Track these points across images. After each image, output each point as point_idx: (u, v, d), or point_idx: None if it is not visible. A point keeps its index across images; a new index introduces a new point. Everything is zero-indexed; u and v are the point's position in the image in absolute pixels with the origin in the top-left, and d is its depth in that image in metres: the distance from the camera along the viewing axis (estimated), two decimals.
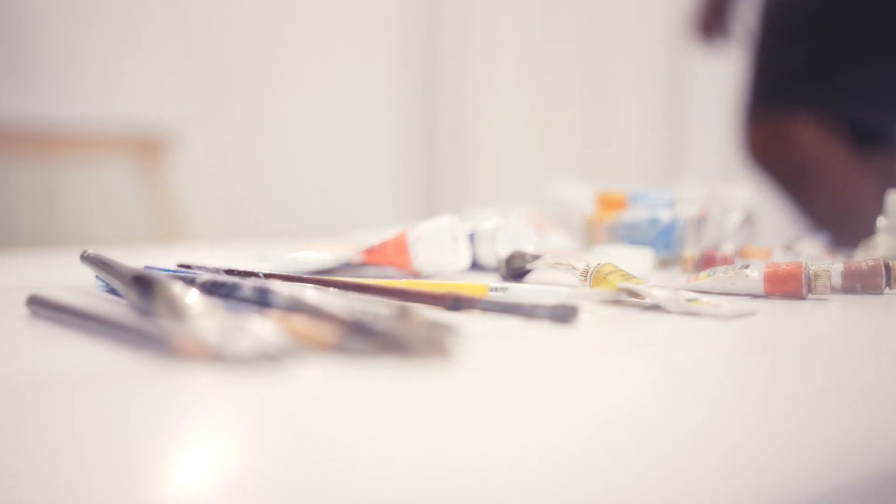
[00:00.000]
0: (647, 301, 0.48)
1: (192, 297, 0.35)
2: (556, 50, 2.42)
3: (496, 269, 0.63)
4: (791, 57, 1.28)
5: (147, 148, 1.71)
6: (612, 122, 2.52)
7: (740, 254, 0.65)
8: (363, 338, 0.33)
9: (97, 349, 0.35)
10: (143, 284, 0.39)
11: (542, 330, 0.41)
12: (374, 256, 0.61)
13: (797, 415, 0.28)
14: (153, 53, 1.68)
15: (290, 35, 2.15)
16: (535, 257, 0.58)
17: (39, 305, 0.41)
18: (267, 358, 0.31)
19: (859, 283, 0.53)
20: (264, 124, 2.14)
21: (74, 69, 1.59)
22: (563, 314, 0.42)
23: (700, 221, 0.75)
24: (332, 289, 0.46)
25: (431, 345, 0.32)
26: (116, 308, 0.44)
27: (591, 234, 0.75)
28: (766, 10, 1.32)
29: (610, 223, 0.73)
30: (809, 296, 0.52)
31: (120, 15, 1.64)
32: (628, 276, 0.50)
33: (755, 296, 0.52)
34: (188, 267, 0.53)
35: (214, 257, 0.68)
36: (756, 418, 0.27)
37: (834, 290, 0.54)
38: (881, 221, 0.62)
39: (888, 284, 0.53)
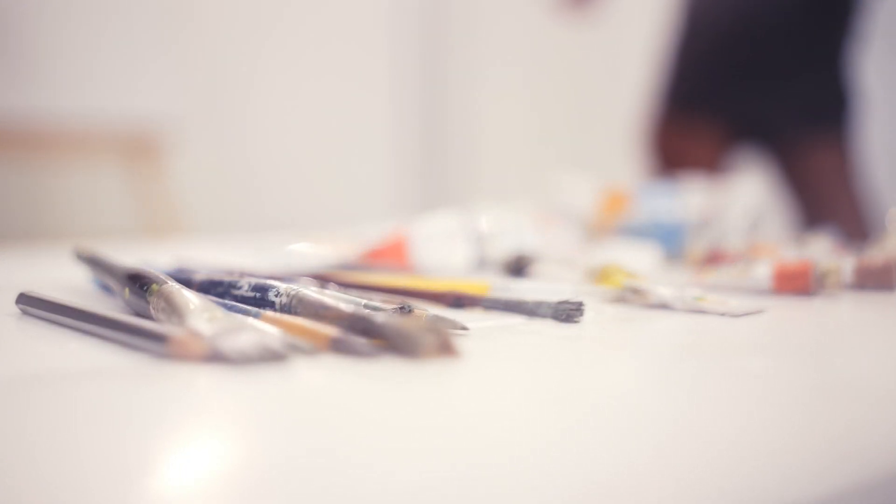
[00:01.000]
0: (653, 299, 0.47)
1: (188, 296, 0.35)
2: (556, 42, 2.41)
3: (499, 267, 0.62)
4: (711, 64, 1.35)
5: (142, 144, 1.70)
6: (614, 114, 2.51)
7: (748, 250, 0.64)
8: (365, 335, 0.33)
9: (90, 348, 0.34)
10: (139, 282, 0.38)
11: (546, 328, 0.40)
12: (375, 254, 0.60)
13: (804, 414, 0.27)
14: (149, 50, 1.68)
15: (286, 29, 2.14)
16: (539, 254, 0.57)
17: (30, 304, 0.40)
18: (265, 356, 0.30)
19: (871, 281, 0.52)
20: (261, 120, 2.13)
21: (68, 65, 1.59)
22: (567, 312, 0.41)
23: (706, 217, 0.74)
24: (332, 287, 0.45)
25: (435, 343, 0.32)
26: (110, 306, 0.43)
27: (596, 231, 0.74)
28: (689, 18, 1.37)
29: (615, 219, 0.72)
30: (819, 293, 0.51)
31: (115, 12, 1.64)
32: (633, 274, 0.49)
33: (763, 293, 0.52)
34: (186, 266, 0.52)
35: (211, 254, 0.67)
36: (762, 417, 0.27)
37: (844, 287, 0.53)
38: (892, 216, 0.61)
39: None
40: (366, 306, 0.37)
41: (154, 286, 0.36)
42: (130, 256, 0.48)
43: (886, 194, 1.41)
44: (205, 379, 0.29)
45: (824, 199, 1.27)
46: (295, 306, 0.37)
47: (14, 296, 0.42)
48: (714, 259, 0.63)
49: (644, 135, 1.43)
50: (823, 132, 1.30)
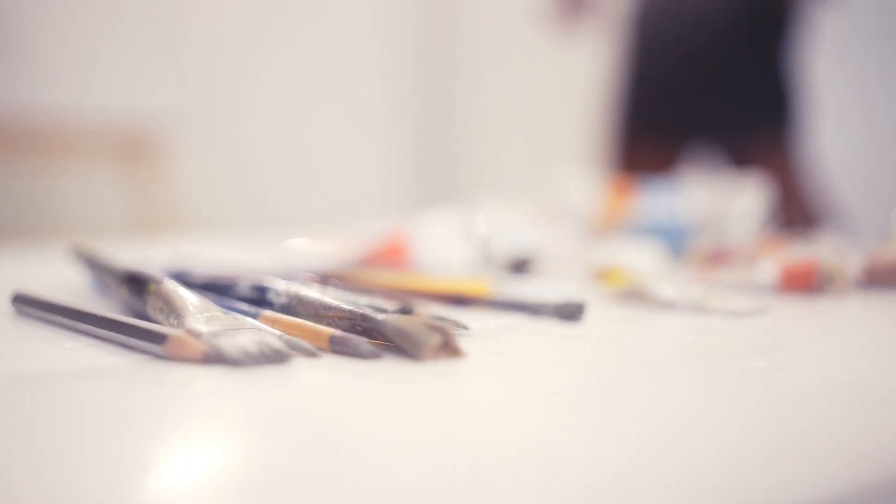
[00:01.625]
0: (657, 298, 0.46)
1: (186, 295, 0.34)
2: (557, 38, 2.40)
3: (501, 265, 0.62)
4: (660, 81, 1.38)
5: (140, 142, 1.70)
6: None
7: (753, 248, 0.63)
8: (366, 335, 0.32)
9: (87, 348, 0.34)
10: (136, 281, 0.37)
11: (549, 328, 0.40)
12: (377, 253, 0.60)
13: (808, 414, 0.27)
14: (147, 48, 1.68)
15: (283, 26, 2.13)
16: (541, 253, 0.56)
17: (26, 304, 0.40)
18: (265, 356, 0.30)
19: (880, 280, 0.52)
20: (259, 116, 2.12)
21: (65, 63, 1.58)
22: (570, 312, 0.41)
23: (712, 216, 0.73)
24: (332, 286, 0.44)
25: (438, 342, 0.31)
26: (107, 306, 0.43)
27: (599, 229, 0.74)
28: (638, 38, 1.40)
29: (618, 217, 0.72)
30: (825, 292, 0.50)
31: (113, 10, 1.63)
32: (636, 273, 0.48)
33: (769, 292, 0.51)
34: (184, 264, 0.51)
35: (210, 251, 0.66)
36: (766, 417, 0.26)
37: (850, 286, 0.52)
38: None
39: None
40: (367, 306, 0.37)
41: (152, 286, 0.36)
42: (128, 254, 0.48)
43: (841, 193, 1.42)
44: (204, 379, 0.29)
45: (775, 198, 1.30)
46: (294, 306, 0.36)
47: (10, 295, 0.41)
48: (718, 257, 0.62)
49: (604, 150, 1.47)
50: (767, 133, 1.33)
